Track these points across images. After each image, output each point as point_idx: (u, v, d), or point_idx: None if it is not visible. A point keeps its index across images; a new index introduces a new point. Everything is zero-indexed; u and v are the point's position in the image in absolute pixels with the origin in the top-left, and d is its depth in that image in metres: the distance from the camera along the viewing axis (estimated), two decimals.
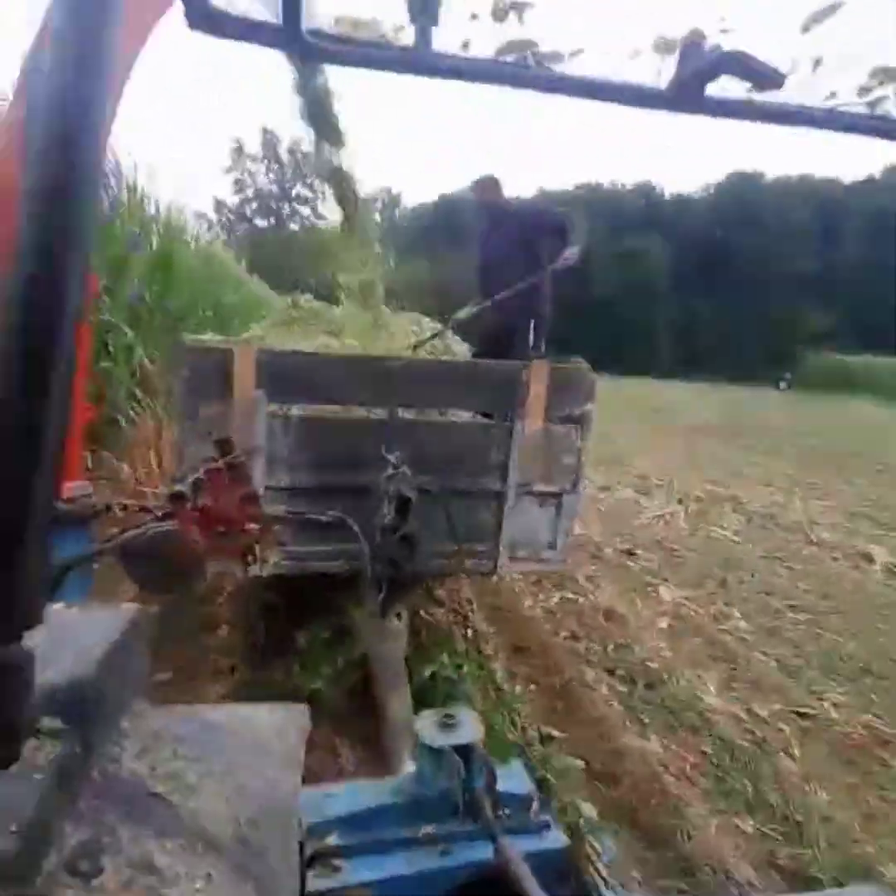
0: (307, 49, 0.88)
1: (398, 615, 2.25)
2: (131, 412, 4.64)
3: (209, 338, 4.02)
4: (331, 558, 2.37)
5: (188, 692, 2.53)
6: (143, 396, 4.84)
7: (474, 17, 0.90)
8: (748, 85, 0.86)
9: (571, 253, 3.93)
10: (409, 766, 1.10)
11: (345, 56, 0.92)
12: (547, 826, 1.08)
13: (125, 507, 1.54)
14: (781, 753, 2.68)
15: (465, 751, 0.99)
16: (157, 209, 6.56)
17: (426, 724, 1.03)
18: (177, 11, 0.85)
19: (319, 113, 3.85)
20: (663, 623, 3.90)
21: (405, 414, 2.52)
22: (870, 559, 5.38)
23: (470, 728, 1.03)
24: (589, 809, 2.10)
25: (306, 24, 0.85)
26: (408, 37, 0.87)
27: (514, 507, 2.54)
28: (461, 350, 4.54)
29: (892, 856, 2.14)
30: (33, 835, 0.44)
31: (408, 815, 1.02)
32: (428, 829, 1.00)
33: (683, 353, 44.11)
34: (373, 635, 2.26)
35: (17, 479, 0.40)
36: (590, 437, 2.61)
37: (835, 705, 3.09)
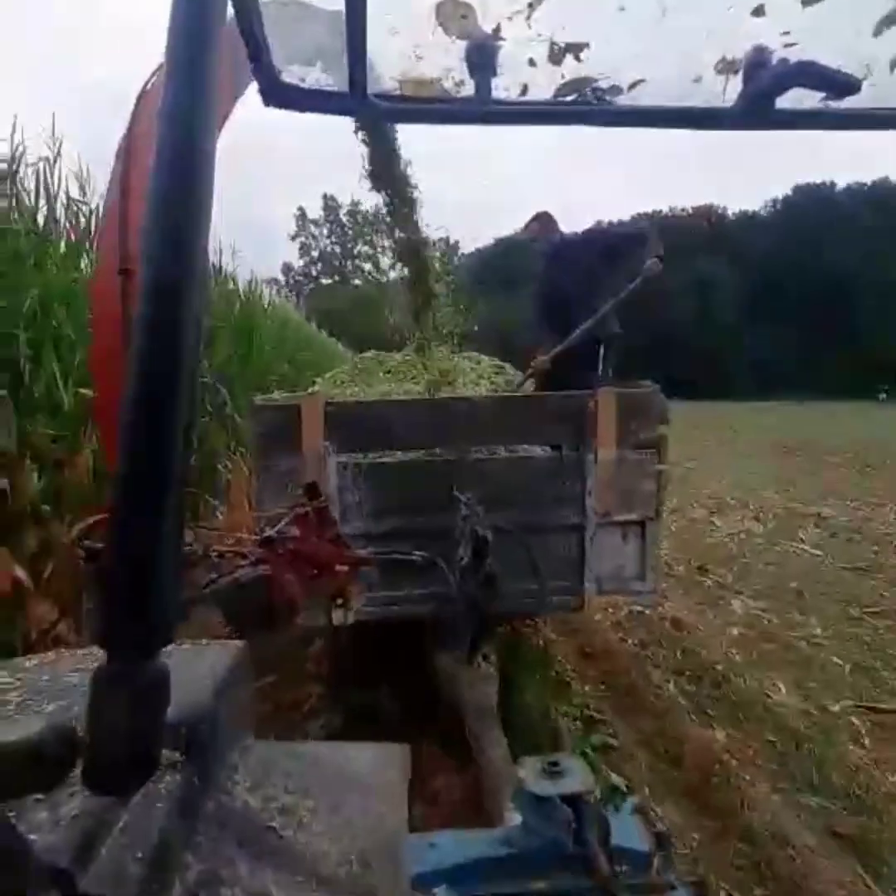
0: (375, 111, 0.95)
1: (486, 658, 2.25)
2: (227, 462, 5.31)
3: (278, 395, 4.16)
4: (413, 603, 2.38)
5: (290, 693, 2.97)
6: (237, 447, 5.51)
7: (532, 63, 0.94)
8: (821, 95, 0.88)
9: (652, 264, 3.69)
10: (514, 817, 1.05)
11: (410, 114, 1.03)
12: (671, 887, 1.00)
13: (221, 555, 1.56)
14: (851, 744, 2.81)
15: (573, 801, 0.93)
16: (236, 283, 7.49)
17: (530, 772, 0.97)
18: (251, 91, 0.98)
19: (390, 176, 4.05)
20: (734, 631, 4.04)
21: (474, 453, 2.56)
22: None
23: (578, 776, 0.96)
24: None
25: (372, 88, 0.92)
26: (468, 89, 0.92)
27: (596, 540, 2.51)
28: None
29: None
30: (158, 863, 0.46)
31: (517, 868, 0.97)
32: (539, 884, 0.95)
33: (765, 375, 42.75)
34: (461, 680, 2.24)
35: (152, 514, 0.46)
36: (667, 461, 2.59)
37: None
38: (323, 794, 0.61)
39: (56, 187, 3.18)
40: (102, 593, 0.47)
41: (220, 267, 6.59)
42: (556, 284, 4.22)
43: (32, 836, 0.44)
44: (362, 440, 2.46)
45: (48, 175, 3.12)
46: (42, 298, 2.71)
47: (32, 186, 3.04)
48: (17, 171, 2.85)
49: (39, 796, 0.47)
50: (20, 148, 2.87)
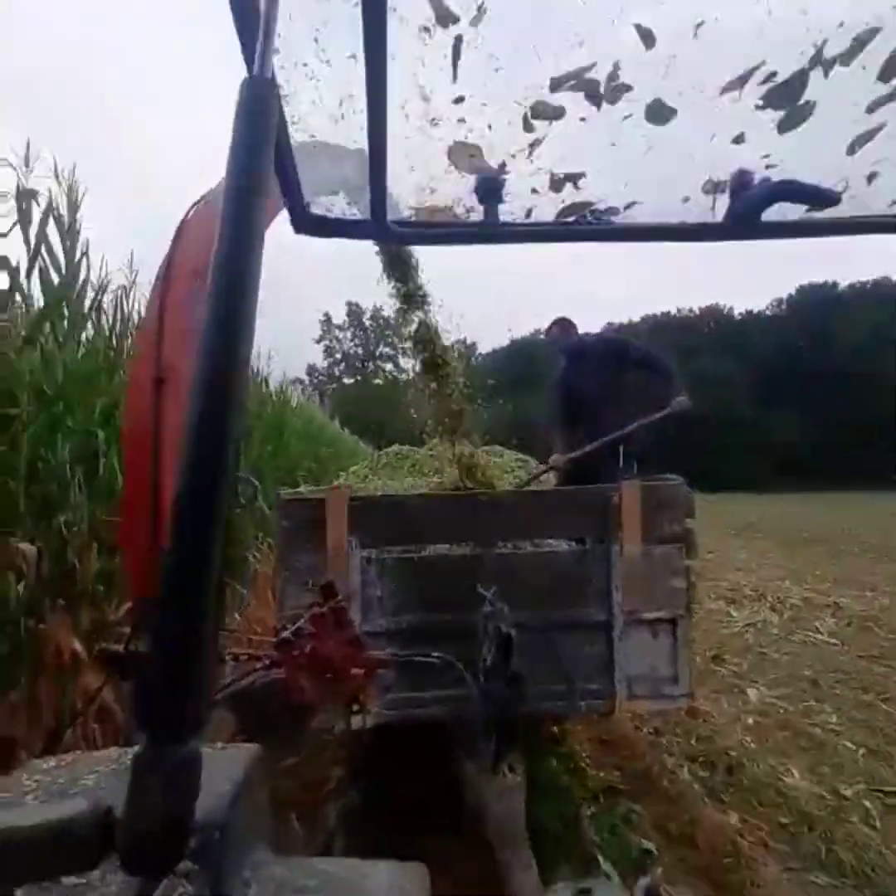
0: (394, 236, 1.05)
1: (511, 768, 2.12)
2: (256, 552, 5.62)
3: (304, 489, 4.18)
4: (435, 705, 2.29)
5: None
6: (264, 538, 5.84)
7: (535, 191, 1.04)
8: (804, 207, 0.97)
9: (681, 400, 3.88)
10: None
11: (426, 237, 1.15)
12: None
13: (236, 657, 1.57)
14: (862, 825, 2.83)
15: None
16: (267, 384, 8.12)
17: None
18: (282, 220, 1.03)
19: (408, 289, 4.20)
20: (749, 720, 4.05)
21: (500, 547, 2.52)
22: None
23: None
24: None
25: (391, 215, 1.01)
26: (477, 214, 1.02)
27: (626, 638, 2.42)
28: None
29: None
30: None
31: None
32: None
33: (780, 468, 42.72)
34: (486, 792, 2.11)
35: (194, 607, 0.48)
36: (695, 556, 2.52)
37: None
38: None
39: (129, 309, 3.69)
40: (138, 682, 0.52)
41: (257, 370, 7.22)
42: (575, 384, 4.35)
43: None
44: (387, 534, 2.43)
45: (124, 300, 3.63)
46: (114, 403, 3.16)
47: (111, 310, 3.55)
48: (101, 300, 3.40)
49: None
50: (106, 279, 3.42)
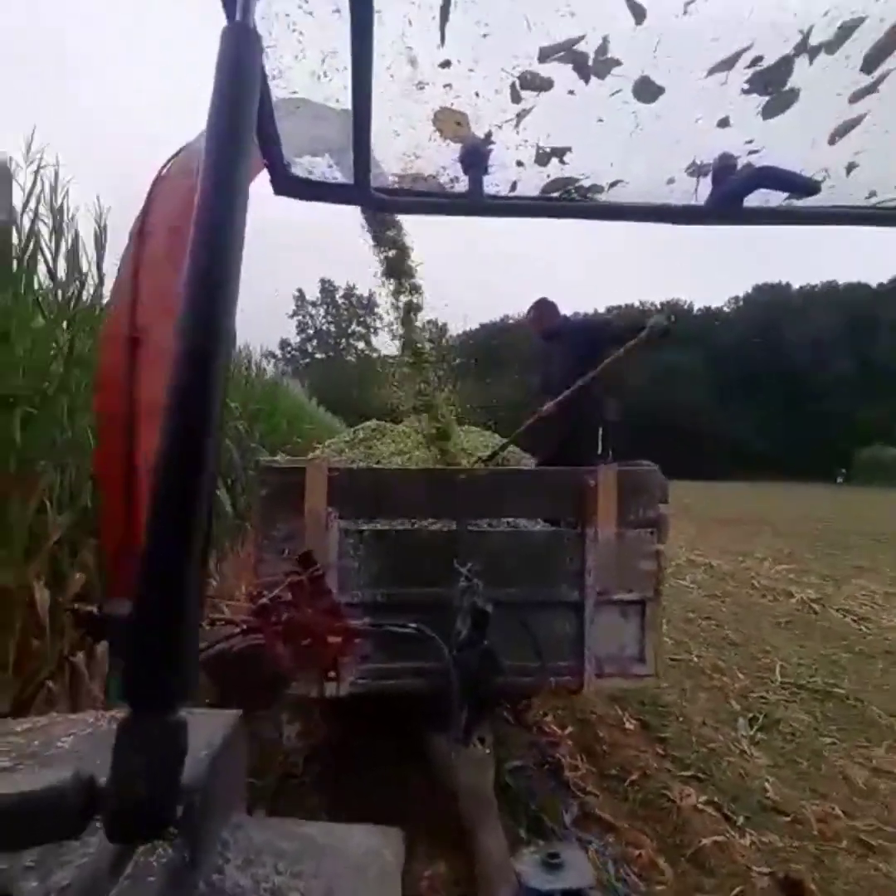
0: (376, 203, 1.02)
1: (482, 740, 2.14)
2: None
3: (282, 458, 4.14)
4: (409, 676, 2.24)
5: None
6: None
7: (520, 164, 1.01)
8: (786, 195, 0.95)
9: (658, 318, 3.70)
10: None
11: (409, 206, 1.11)
12: None
13: (213, 622, 1.54)
14: None
15: None
16: (251, 363, 8.80)
17: (529, 865, 0.93)
18: (262, 180, 0.97)
19: (396, 263, 4.09)
20: None
21: (476, 525, 2.47)
22: (790, 595, 6.70)
23: (579, 870, 0.92)
24: None
25: (374, 182, 0.98)
26: (462, 185, 1.00)
27: (596, 619, 2.40)
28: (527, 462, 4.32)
29: (676, 692, 4.04)
30: None
31: None
32: None
33: (733, 459, 43.65)
34: (456, 764, 2.12)
35: (178, 572, 0.46)
36: (666, 540, 2.50)
37: (698, 656, 4.71)
38: (315, 876, 0.59)
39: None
40: (121, 650, 0.47)
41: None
42: (549, 365, 4.31)
43: None
44: (364, 507, 2.37)
45: None
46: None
47: None
48: None
49: (30, 864, 0.46)
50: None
